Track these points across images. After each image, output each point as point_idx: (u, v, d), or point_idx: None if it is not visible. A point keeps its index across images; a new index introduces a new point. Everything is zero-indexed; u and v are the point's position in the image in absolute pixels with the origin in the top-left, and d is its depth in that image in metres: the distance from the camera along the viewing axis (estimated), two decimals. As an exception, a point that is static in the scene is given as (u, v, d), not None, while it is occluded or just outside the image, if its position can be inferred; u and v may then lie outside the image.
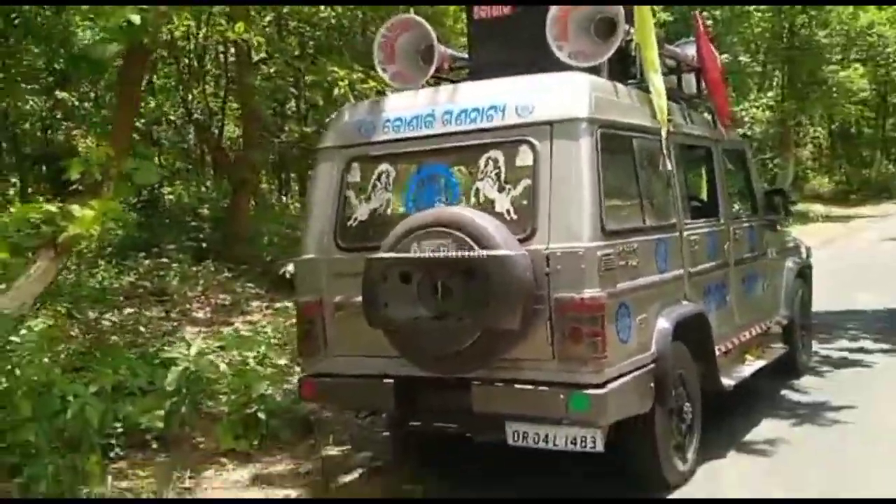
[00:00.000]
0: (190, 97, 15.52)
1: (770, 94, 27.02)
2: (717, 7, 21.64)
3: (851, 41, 28.86)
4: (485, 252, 4.19)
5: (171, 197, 15.18)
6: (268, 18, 16.61)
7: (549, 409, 4.29)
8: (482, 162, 4.55)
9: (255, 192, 15.08)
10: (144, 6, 5.98)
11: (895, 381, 7.27)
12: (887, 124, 40.31)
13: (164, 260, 11.21)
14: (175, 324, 9.10)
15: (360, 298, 4.60)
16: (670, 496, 4.87)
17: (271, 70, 14.22)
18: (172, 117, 16.36)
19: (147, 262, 11.10)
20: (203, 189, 15.46)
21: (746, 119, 24.04)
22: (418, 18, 5.43)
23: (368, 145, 4.95)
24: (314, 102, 15.00)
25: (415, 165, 4.92)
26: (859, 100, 32.45)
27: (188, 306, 10.28)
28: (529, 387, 4.33)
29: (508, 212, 4.44)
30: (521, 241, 4.30)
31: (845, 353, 8.31)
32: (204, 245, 12.27)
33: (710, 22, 20.72)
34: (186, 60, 15.84)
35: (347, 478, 5.56)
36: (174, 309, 9.89)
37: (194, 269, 11.34)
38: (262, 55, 13.64)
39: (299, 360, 7.40)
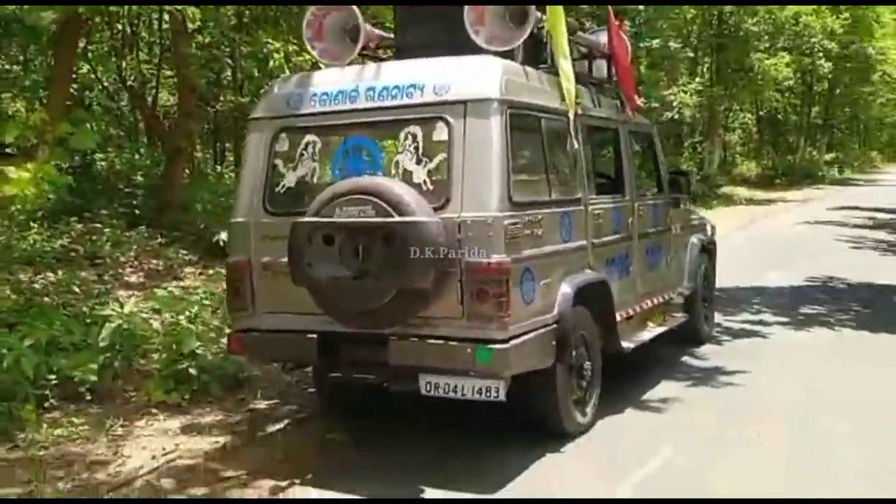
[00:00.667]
0: (124, 64, 15.46)
1: (699, 79, 27.79)
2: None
3: (778, 30, 29.76)
4: (402, 218, 4.59)
5: (103, 163, 15.13)
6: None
7: (458, 361, 4.72)
8: (402, 136, 4.93)
9: (190, 160, 15.15)
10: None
11: (788, 350, 7.90)
12: (812, 112, 41.80)
13: (97, 225, 11.22)
14: (108, 287, 9.25)
15: (285, 259, 4.96)
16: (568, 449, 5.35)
17: (206, 40, 14.27)
18: (106, 84, 16.27)
19: (80, 226, 11.10)
20: (136, 156, 15.42)
21: (676, 104, 24.74)
22: (347, -1, 5.74)
23: (296, 117, 5.29)
24: (250, 73, 15.09)
25: (340, 137, 5.30)
26: (785, 88, 33.63)
27: (120, 271, 10.39)
28: (441, 342, 4.75)
29: (425, 182, 4.84)
30: (435, 209, 4.71)
31: (746, 325, 8.92)
32: (137, 212, 12.32)
33: (641, 8, 21.25)
34: (120, 27, 15.75)
35: (274, 427, 5.92)
36: (107, 272, 10.00)
37: (127, 234, 11.43)
38: (198, 24, 13.66)
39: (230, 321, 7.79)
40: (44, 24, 6.37)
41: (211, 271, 10.82)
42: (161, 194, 12.91)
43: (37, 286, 8.84)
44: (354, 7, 5.61)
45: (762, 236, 16.93)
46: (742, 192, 28.14)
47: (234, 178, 16.52)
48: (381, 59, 5.96)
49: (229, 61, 13.84)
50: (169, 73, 17.19)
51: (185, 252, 11.52)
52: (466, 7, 5.26)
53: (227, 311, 5.70)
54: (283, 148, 5.30)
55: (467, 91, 4.82)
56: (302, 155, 5.24)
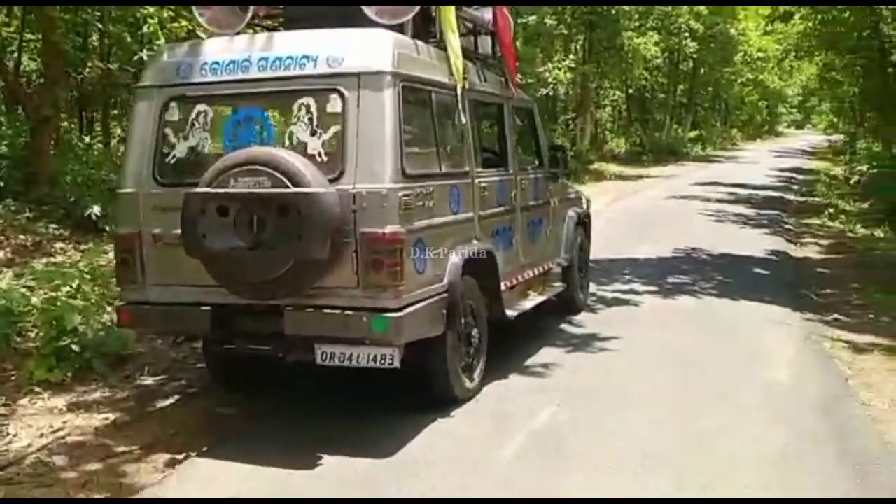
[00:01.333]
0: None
1: (573, 56, 28.49)
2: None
3: (648, 10, 30.78)
4: (297, 189, 4.64)
5: (-41, 131, 14.30)
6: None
7: (354, 330, 4.84)
8: (295, 107, 4.96)
9: (56, 130, 14.50)
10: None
11: (655, 317, 8.38)
12: (678, 91, 43.52)
13: (-44, 197, 10.69)
14: (-27, 262, 8.85)
15: (177, 231, 4.94)
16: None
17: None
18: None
19: (-64, 199, 10.56)
20: (-3, 126, 14.65)
21: (550, 80, 25.31)
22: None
23: (186, 86, 5.23)
24: (119, 39, 14.53)
25: (231, 107, 5.29)
26: (653, 66, 34.88)
27: (-14, 246, 9.97)
28: (337, 311, 4.85)
29: (319, 154, 4.90)
30: (330, 181, 4.78)
31: (618, 294, 9.36)
32: (1, 184, 11.75)
33: (520, -17, 21.59)
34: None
35: (164, 402, 5.89)
36: (-29, 248, 9.56)
37: (-8, 208, 10.93)
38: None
39: (112, 295, 7.62)
40: None
41: (83, 246, 10.49)
42: (27, 165, 12.30)
43: None
44: (244, -25, 5.57)
45: (631, 210, 17.59)
46: (612, 167, 29.09)
47: (103, 150, 16.01)
48: (270, 29, 5.93)
49: (99, 25, 13.24)
50: (31, 36, 16.38)
51: (55, 227, 11.09)
52: (359, -20, 5.31)
53: (117, 283, 5.60)
54: (174, 117, 5.23)
55: (361, 63, 4.89)
56: (193, 125, 5.19)
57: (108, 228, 11.13)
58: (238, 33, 5.54)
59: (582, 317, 8.27)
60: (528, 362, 6.68)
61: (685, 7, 32.27)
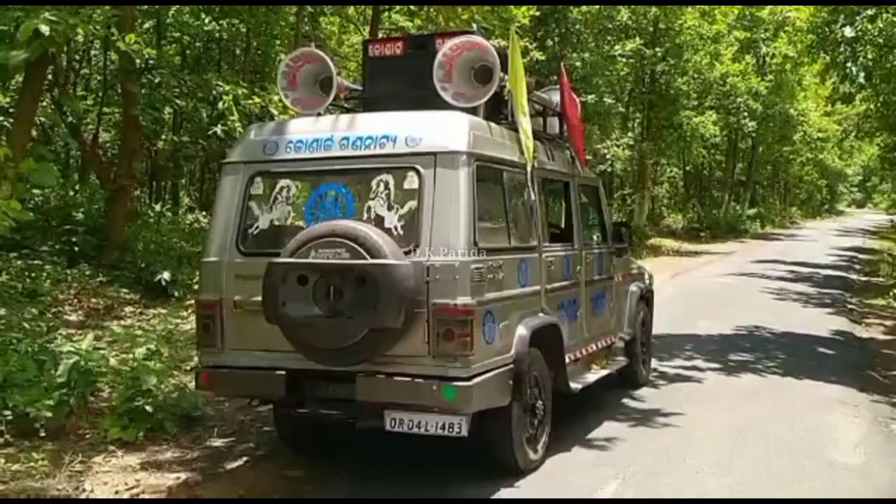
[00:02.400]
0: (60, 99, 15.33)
1: (631, 134, 28.79)
2: (585, 51, 23.07)
3: (707, 89, 31.07)
4: (374, 261, 4.85)
5: (39, 199, 14.95)
6: (146, 25, 16.76)
7: (424, 398, 4.97)
8: (374, 183, 5.22)
9: (131, 199, 15.09)
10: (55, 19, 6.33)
11: (719, 394, 8.34)
12: (736, 168, 43.48)
13: (37, 262, 11.14)
14: (51, 324, 9.20)
15: (257, 298, 5.16)
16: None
17: (156, 80, 14.36)
18: (42, 119, 16.18)
19: (19, 262, 11.02)
20: (72, 193, 15.29)
21: (608, 156, 25.59)
22: (320, 52, 6.05)
23: (272, 162, 5.53)
24: (189, 114, 15.17)
25: (314, 182, 5.55)
26: (711, 144, 35.00)
27: (60, 309, 10.35)
28: (408, 379, 5.00)
29: (396, 228, 5.12)
30: (406, 252, 4.99)
31: (680, 370, 9.34)
32: (77, 249, 12.24)
33: (578, 64, 22.09)
34: (63, 63, 15.70)
35: (233, 464, 6.03)
36: (47, 310, 9.94)
37: (67, 272, 11.36)
38: (146, 63, 13.75)
39: (181, 357, 7.87)
40: (15, 62, 6.48)
41: (152, 310, 10.85)
42: (101, 232, 12.82)
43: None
44: (328, 58, 5.90)
45: (691, 287, 17.54)
46: (669, 243, 29.02)
47: (173, 218, 16.58)
48: (349, 110, 6.25)
49: (178, 101, 13.88)
50: (107, 109, 17.19)
51: (125, 291, 11.51)
52: (436, 65, 5.60)
53: (196, 346, 5.82)
54: (258, 191, 5.52)
55: (437, 143, 5.14)
56: (276, 198, 5.48)
57: (176, 294, 11.54)
58: (320, 114, 5.85)
59: (644, 392, 8.27)
60: (591, 435, 6.70)
61: (743, 87, 32.48)
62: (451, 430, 5.06)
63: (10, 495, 5.20)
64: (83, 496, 5.32)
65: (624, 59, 25.20)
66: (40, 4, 6.31)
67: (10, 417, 6.08)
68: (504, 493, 5.39)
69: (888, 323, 13.49)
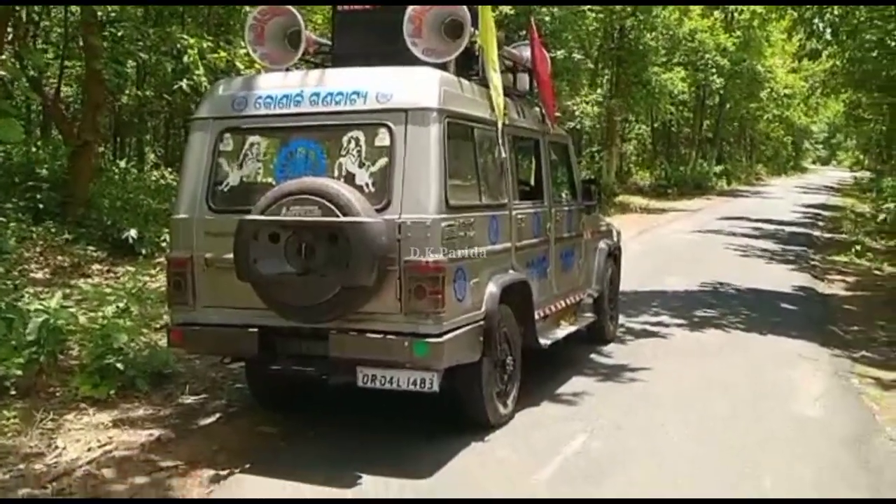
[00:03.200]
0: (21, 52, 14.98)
1: (600, 90, 28.76)
2: (554, 6, 22.88)
3: (675, 46, 31.06)
4: (346, 218, 4.86)
5: (1, 154, 14.67)
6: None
7: (396, 354, 5.02)
8: (345, 140, 5.20)
9: (95, 155, 14.86)
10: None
11: (684, 350, 8.49)
12: (703, 125, 43.69)
13: (1, 219, 10.97)
14: (16, 283, 9.11)
15: (228, 255, 5.15)
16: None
17: (119, 33, 14.06)
18: (2, 73, 15.82)
19: (-19, 220, 10.85)
20: (34, 149, 15.04)
21: (577, 113, 25.57)
22: (288, 6, 5.95)
23: (241, 118, 5.48)
24: (153, 68, 14.89)
25: (284, 139, 5.51)
26: (679, 101, 35.10)
27: (26, 266, 10.25)
28: (379, 336, 5.04)
29: (367, 185, 5.12)
30: (377, 210, 4.99)
31: (647, 326, 9.49)
32: (41, 206, 12.08)
33: (547, 18, 21.94)
34: (23, 16, 15.31)
35: (206, 420, 6.07)
36: (13, 269, 9.83)
37: (32, 229, 11.23)
38: (109, 15, 13.45)
39: (151, 315, 7.85)
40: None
41: (119, 268, 10.78)
42: (65, 189, 12.64)
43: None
44: (296, 12, 5.83)
45: (658, 243, 17.69)
46: (637, 200, 29.19)
47: (138, 175, 16.37)
48: (318, 65, 6.18)
49: (141, 55, 13.61)
50: (68, 63, 16.83)
51: (92, 249, 11.41)
52: (405, 19, 5.56)
53: (167, 304, 5.80)
54: (227, 148, 5.48)
55: (408, 100, 5.12)
56: (246, 155, 5.45)
57: (143, 251, 11.45)
58: (289, 69, 5.79)
59: (611, 347, 8.40)
60: (560, 390, 6.81)
61: (711, 43, 32.52)
62: (422, 385, 5.12)
63: (-19, 453, 5.21)
64: (55, 453, 5.33)
65: (593, 14, 25.07)
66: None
67: (-22, 377, 6.05)
68: (475, 447, 5.47)
69: (850, 279, 13.77)
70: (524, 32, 7.55)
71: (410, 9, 5.63)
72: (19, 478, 4.90)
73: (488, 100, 5.86)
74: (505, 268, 5.94)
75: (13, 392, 6.17)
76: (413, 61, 5.54)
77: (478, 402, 5.62)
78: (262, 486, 4.93)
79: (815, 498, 4.49)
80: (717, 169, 43.11)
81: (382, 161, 5.10)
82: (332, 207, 4.87)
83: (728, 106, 42.83)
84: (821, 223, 24.53)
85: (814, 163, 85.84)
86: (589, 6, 24.16)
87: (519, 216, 6.24)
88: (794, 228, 22.12)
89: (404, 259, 4.97)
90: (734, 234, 19.48)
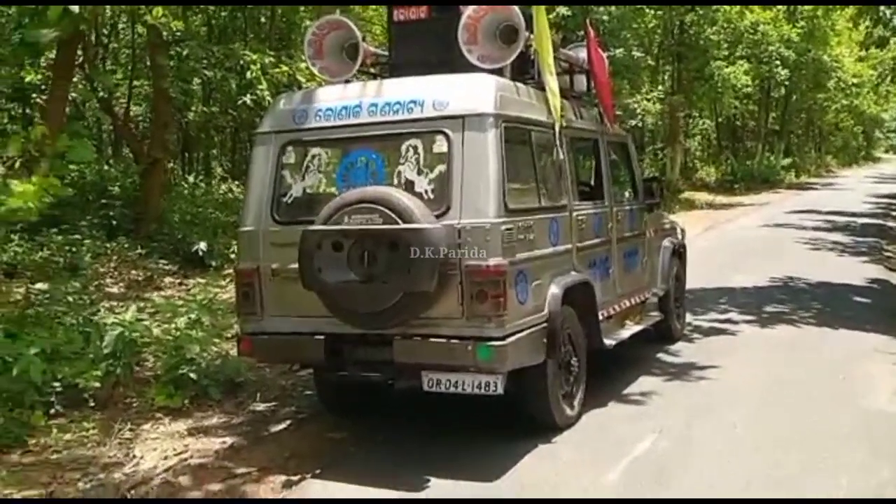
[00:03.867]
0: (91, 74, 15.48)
1: (661, 87, 28.44)
2: (612, 4, 22.73)
3: (737, 39, 30.51)
4: (406, 225, 4.93)
5: (74, 174, 15.14)
6: (173, -3, 16.80)
7: (459, 358, 5.06)
8: (403, 148, 5.28)
9: (164, 171, 15.28)
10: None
11: (754, 346, 8.35)
12: (769, 118, 42.80)
13: (76, 237, 11.36)
14: (93, 297, 9.41)
15: (294, 265, 5.27)
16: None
17: (184, 52, 14.45)
18: (74, 95, 16.37)
19: (59, 238, 11.24)
20: (106, 167, 15.52)
21: (639, 111, 25.32)
22: (345, 18, 6.08)
23: (302, 131, 5.60)
24: (219, 84, 15.27)
25: (344, 150, 5.62)
26: (743, 95, 34.45)
27: (102, 282, 10.59)
28: (443, 340, 5.09)
29: (426, 192, 5.18)
30: (437, 216, 5.05)
31: (714, 324, 9.34)
32: (114, 223, 12.46)
33: (605, 17, 21.81)
34: (92, 39, 15.82)
35: (277, 427, 6.20)
36: (89, 284, 10.15)
37: (106, 245, 11.59)
38: (174, 35, 13.82)
39: (222, 325, 8.04)
40: (46, 40, 6.56)
41: (191, 280, 11.05)
42: (137, 205, 13.03)
43: (23, 297, 8.98)
44: (353, 25, 5.94)
45: (725, 239, 17.42)
46: (703, 196, 28.74)
47: (206, 189, 16.76)
48: (377, 76, 6.28)
49: (206, 72, 13.97)
50: (136, 83, 17.33)
51: (164, 262, 11.73)
52: (460, 27, 5.62)
53: (237, 314, 5.95)
54: (290, 160, 5.61)
55: (465, 106, 5.17)
56: (308, 167, 5.57)
57: (213, 263, 11.74)
58: (348, 81, 5.90)
59: (679, 346, 8.31)
60: (627, 391, 6.77)
61: (775, 35, 31.86)
62: (487, 388, 5.15)
63: (63, 463, 5.41)
64: (133, 462, 5.50)
65: (652, 11, 24.82)
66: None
67: (59, 389, 6.26)
68: (542, 449, 5.49)
69: (926, 270, 13.35)
70: (582, 33, 7.53)
71: (465, 16, 5.68)
72: (100, 487, 5.07)
73: (545, 103, 5.89)
74: (567, 269, 5.94)
75: (92, 404, 6.38)
76: (469, 68, 5.60)
77: (543, 405, 5.63)
78: (333, 490, 5.02)
79: (819, 498, 4.40)
80: (785, 162, 42.15)
81: (441, 167, 5.16)
82: (393, 215, 4.95)
83: (794, 97, 41.87)
84: (894, 213, 23.80)
85: (887, 152, 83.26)
86: (647, 4, 23.93)
87: (579, 217, 6.24)
88: (866, 220, 21.49)
89: (465, 263, 5.01)
90: (804, 228, 19.04)
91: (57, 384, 6.27)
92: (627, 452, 5.42)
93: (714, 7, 27.36)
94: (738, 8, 29.04)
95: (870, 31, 18.17)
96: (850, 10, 20.14)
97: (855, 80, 42.00)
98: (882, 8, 14.98)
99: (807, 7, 31.85)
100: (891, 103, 52.59)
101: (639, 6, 23.99)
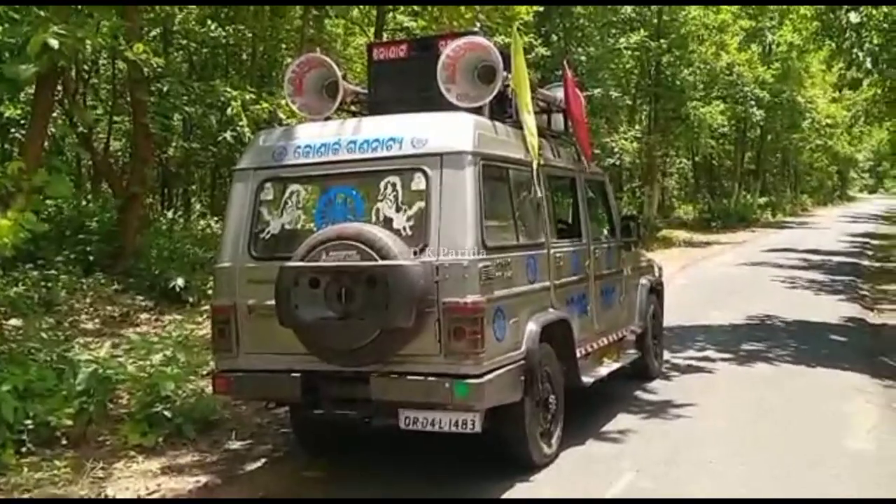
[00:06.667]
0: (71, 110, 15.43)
1: (638, 126, 28.75)
2: (590, 45, 23.10)
3: (713, 79, 30.99)
4: (384, 262, 4.93)
5: (51, 209, 15.04)
6: (153, 34, 16.87)
7: (437, 396, 5.04)
8: (382, 185, 5.29)
9: (143, 206, 15.20)
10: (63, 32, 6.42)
11: (731, 385, 8.37)
12: (745, 157, 43.37)
13: (52, 272, 11.25)
14: (67, 334, 9.30)
15: (270, 302, 5.24)
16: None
17: (165, 88, 14.46)
18: (53, 130, 16.30)
19: (34, 273, 11.12)
20: (84, 202, 15.44)
21: (616, 150, 25.58)
22: (325, 57, 6.13)
23: (281, 168, 5.61)
24: (199, 121, 15.30)
25: (323, 187, 5.62)
26: (719, 134, 34.93)
27: (77, 318, 10.46)
28: (420, 378, 5.07)
29: (404, 228, 5.19)
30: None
31: (692, 361, 9.38)
32: (91, 258, 12.35)
33: (584, 58, 22.11)
34: (72, 74, 15.80)
35: (252, 466, 6.13)
36: (64, 320, 10.04)
37: (82, 281, 11.48)
38: (155, 72, 13.84)
39: (198, 363, 7.96)
40: (25, 76, 6.58)
41: (167, 317, 10.94)
42: (114, 240, 12.92)
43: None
44: (333, 63, 5.98)
45: (702, 277, 17.53)
46: (680, 234, 28.98)
47: (185, 224, 16.69)
48: (356, 114, 6.32)
49: (187, 109, 13.98)
50: (116, 119, 17.31)
51: (140, 298, 11.59)
52: (439, 66, 5.67)
53: (212, 352, 5.91)
54: (268, 197, 5.61)
55: (443, 144, 5.20)
56: (286, 203, 5.57)
57: (191, 299, 11.64)
58: (328, 118, 5.93)
59: (657, 384, 8.31)
60: (605, 428, 6.76)
61: (750, 76, 32.39)
62: (464, 426, 5.12)
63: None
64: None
65: (629, 52, 25.19)
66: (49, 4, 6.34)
67: (31, 426, 6.16)
68: (519, 488, 5.45)
69: (901, 308, 13.47)
70: (559, 72, 7.63)
71: (444, 56, 5.74)
72: (71, 526, 4.99)
73: (523, 141, 5.94)
74: (544, 306, 5.95)
75: (64, 442, 6.29)
76: (448, 107, 5.65)
77: (521, 443, 5.60)
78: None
79: (814, 498, 4.38)
80: (761, 201, 42.72)
81: (419, 204, 5.18)
82: (371, 251, 4.95)
83: (769, 137, 42.56)
84: (869, 252, 24.10)
85: (861, 191, 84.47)
86: (625, 45, 24.29)
87: (557, 254, 6.26)
88: (841, 258, 21.73)
89: (442, 300, 5.01)
90: (780, 266, 19.21)
91: (29, 421, 6.18)
92: (606, 490, 5.41)
93: (690, 48, 27.81)
94: (713, 49, 29.53)
95: (843, 73, 18.51)
96: (824, 52, 20.49)
97: (829, 121, 42.77)
98: (855, 50, 15.27)
99: (781, 49, 32.46)
100: (864, 144, 53.41)
101: (615, 47, 24.37)
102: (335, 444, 6.29)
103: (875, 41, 15.34)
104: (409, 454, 6.13)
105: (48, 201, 12.94)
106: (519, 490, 5.43)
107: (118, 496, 5.52)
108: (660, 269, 9.11)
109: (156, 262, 12.48)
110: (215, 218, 17.47)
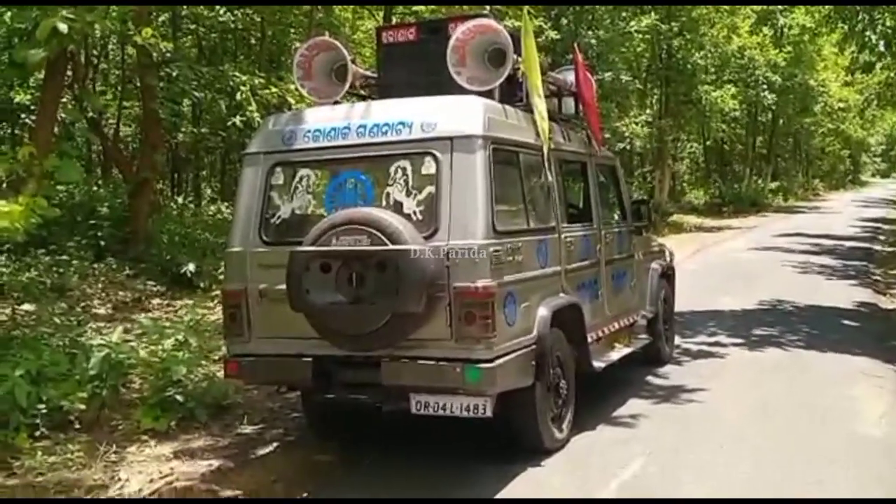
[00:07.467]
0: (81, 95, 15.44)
1: (649, 111, 28.62)
2: (600, 28, 22.92)
3: (724, 63, 30.79)
4: (395, 246, 4.91)
5: (63, 194, 15.09)
6: (162, 18, 16.86)
7: (448, 380, 5.04)
8: (392, 170, 5.28)
9: (153, 192, 15.23)
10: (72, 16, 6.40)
11: (742, 369, 8.35)
12: (756, 142, 43.13)
13: (64, 257, 11.30)
14: (80, 319, 9.35)
15: (281, 287, 5.24)
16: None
17: (174, 73, 14.45)
18: (63, 115, 16.32)
19: (46, 258, 11.18)
20: (95, 188, 15.47)
21: (627, 134, 25.46)
22: (334, 41, 6.10)
23: (290, 152, 5.60)
24: (208, 106, 15.29)
25: (333, 171, 5.61)
26: (731, 118, 34.73)
27: (89, 303, 10.51)
28: (431, 362, 5.07)
29: (415, 213, 5.18)
30: (425, 238, 5.04)
31: (703, 346, 9.34)
32: (102, 243, 12.40)
33: (594, 41, 21.96)
34: (81, 60, 15.81)
35: (264, 450, 6.14)
36: (76, 305, 10.09)
37: (94, 266, 11.53)
38: (164, 57, 13.83)
39: (210, 347, 7.99)
40: (34, 61, 6.57)
41: (178, 302, 10.99)
42: (125, 226, 12.97)
43: (9, 318, 8.92)
44: (342, 47, 5.96)
45: (713, 262, 17.46)
46: (691, 219, 28.88)
47: (195, 210, 16.72)
48: (365, 98, 6.30)
49: (196, 94, 13.97)
50: (126, 104, 17.33)
51: (152, 283, 11.65)
52: (449, 50, 5.64)
53: (224, 336, 5.92)
54: (278, 181, 5.60)
55: (453, 128, 5.18)
56: (296, 188, 5.56)
57: (202, 284, 11.68)
58: (337, 102, 5.90)
59: (668, 368, 8.30)
60: (616, 413, 6.75)
61: (762, 59, 32.16)
62: (475, 411, 5.13)
63: (48, 487, 5.34)
64: (118, 485, 5.44)
65: (640, 36, 25.00)
66: (57, 4, 6.36)
67: (44, 411, 6.18)
68: (530, 472, 5.45)
69: (914, 293, 13.41)
70: (570, 56, 7.59)
71: (454, 39, 5.71)
72: (84, 509, 5.02)
73: (533, 125, 5.91)
74: (555, 291, 5.94)
75: (77, 426, 6.31)
76: (458, 90, 5.62)
77: (532, 427, 5.60)
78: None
79: (814, 498, 4.37)
80: (773, 185, 42.47)
81: (429, 189, 5.16)
82: (381, 236, 4.94)
83: (781, 121, 42.28)
84: (881, 237, 23.93)
85: (873, 176, 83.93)
86: (635, 29, 24.12)
87: (568, 239, 6.24)
88: (853, 243, 21.62)
89: (453, 285, 5.00)
90: (791, 251, 19.11)
91: (42, 406, 6.19)
92: (616, 475, 5.40)
93: (701, 31, 27.60)
94: (724, 32, 29.33)
95: (855, 56, 18.37)
96: (836, 36, 20.34)
97: (841, 105, 42.45)
98: (867, 33, 15.15)
99: (793, 31, 32.20)
100: (877, 128, 53.04)
101: (626, 30, 24.19)
102: (347, 429, 6.29)
103: (888, 23, 15.21)
104: (420, 438, 6.14)
105: (59, 187, 13.04)
106: (529, 475, 5.42)
107: (131, 479, 5.54)
108: (671, 253, 9.09)
109: (167, 247, 12.53)
110: (225, 203, 17.52)
